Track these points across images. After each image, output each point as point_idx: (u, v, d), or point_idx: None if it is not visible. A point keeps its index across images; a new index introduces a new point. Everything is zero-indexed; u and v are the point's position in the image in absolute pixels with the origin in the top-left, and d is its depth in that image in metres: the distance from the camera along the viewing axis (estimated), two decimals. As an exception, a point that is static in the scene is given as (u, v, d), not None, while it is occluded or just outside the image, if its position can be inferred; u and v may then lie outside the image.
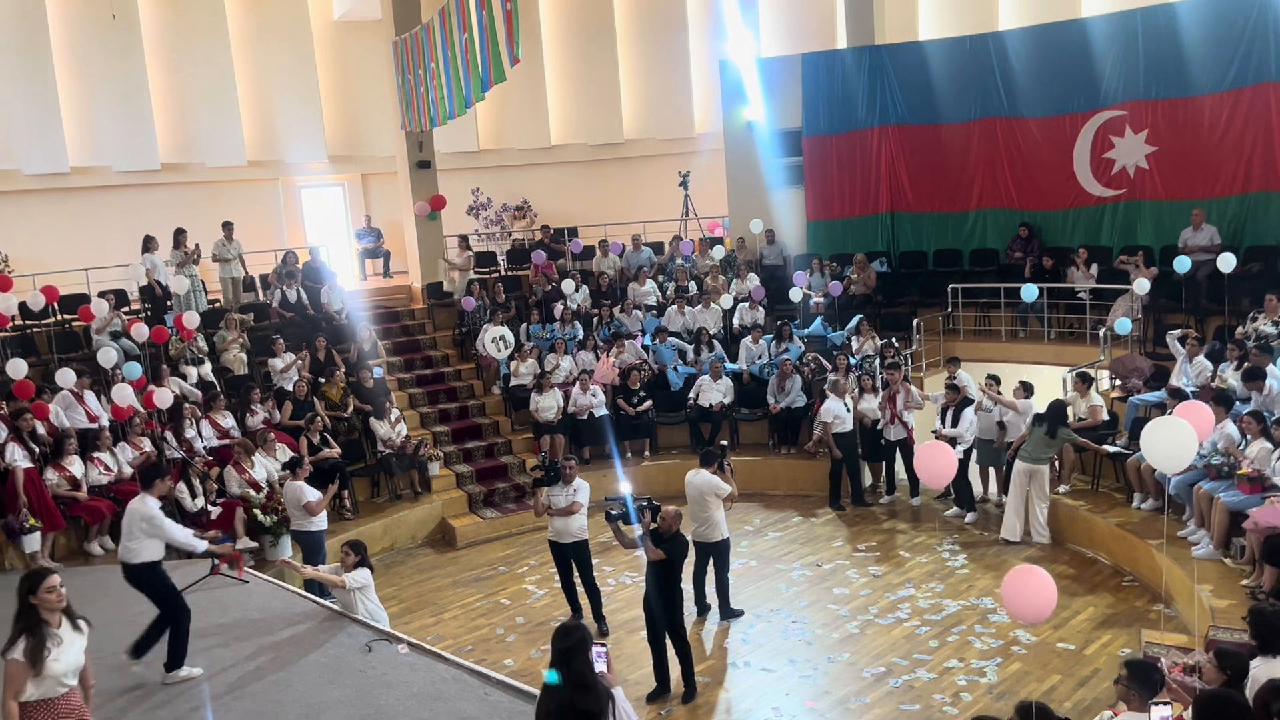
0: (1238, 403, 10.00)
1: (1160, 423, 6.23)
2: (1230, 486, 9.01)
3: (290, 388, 12.59)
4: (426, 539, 12.44)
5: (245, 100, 18.05)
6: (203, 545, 7.15)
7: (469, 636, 9.54)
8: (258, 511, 10.52)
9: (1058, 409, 10.81)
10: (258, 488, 10.81)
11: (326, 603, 8.38)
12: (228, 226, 14.83)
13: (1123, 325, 11.79)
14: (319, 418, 12.04)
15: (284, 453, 11.24)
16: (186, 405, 11.59)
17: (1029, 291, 13.17)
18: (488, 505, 12.90)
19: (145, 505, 6.86)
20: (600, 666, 4.54)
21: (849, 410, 12.40)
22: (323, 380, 12.95)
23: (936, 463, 5.93)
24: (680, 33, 20.48)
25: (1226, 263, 12.07)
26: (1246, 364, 10.23)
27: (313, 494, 9.37)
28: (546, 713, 4.53)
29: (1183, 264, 12.64)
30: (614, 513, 8.12)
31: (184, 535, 7.04)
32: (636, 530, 8.07)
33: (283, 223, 18.70)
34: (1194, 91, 13.77)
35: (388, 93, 16.43)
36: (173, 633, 7.01)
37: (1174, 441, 5.74)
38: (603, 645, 4.65)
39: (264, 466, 11.07)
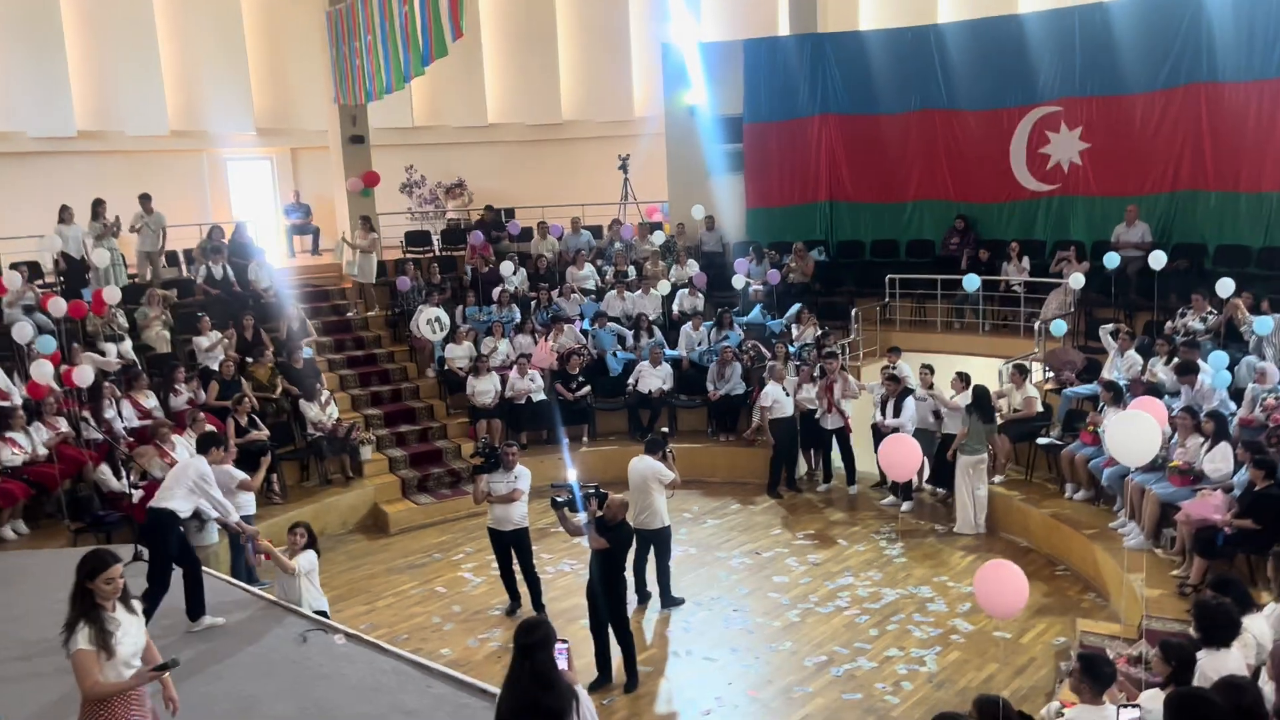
0: (1168, 396, 10.21)
1: (1125, 417, 6.28)
2: (1162, 479, 9.19)
3: (216, 367, 12.15)
4: (358, 525, 12.13)
5: (169, 66, 17.34)
6: (236, 516, 7.73)
7: (404, 625, 9.31)
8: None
9: (983, 395, 10.97)
10: (181, 470, 10.37)
11: (258, 590, 8.08)
12: (145, 199, 14.18)
13: (1058, 327, 11.96)
14: (246, 399, 11.63)
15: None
16: (106, 384, 11.08)
17: (970, 281, 13.31)
18: (422, 490, 12.63)
19: (203, 463, 7.49)
20: (562, 664, 4.40)
21: (788, 395, 12.41)
22: (250, 360, 12.52)
23: (901, 456, 5.89)
24: (621, 14, 20.27)
25: (1158, 260, 12.32)
26: (1177, 359, 10.45)
27: (243, 474, 9.04)
28: (508, 709, 4.39)
29: (1112, 259, 12.89)
30: (560, 499, 7.96)
31: (227, 503, 7.62)
32: (582, 518, 7.92)
33: (207, 196, 18.06)
34: (1128, 90, 14.03)
35: (320, 64, 15.94)
36: (192, 584, 7.30)
37: (1138, 436, 5.79)
38: (564, 643, 4.53)
39: (187, 449, 10.63)
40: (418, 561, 10.97)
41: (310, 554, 7.77)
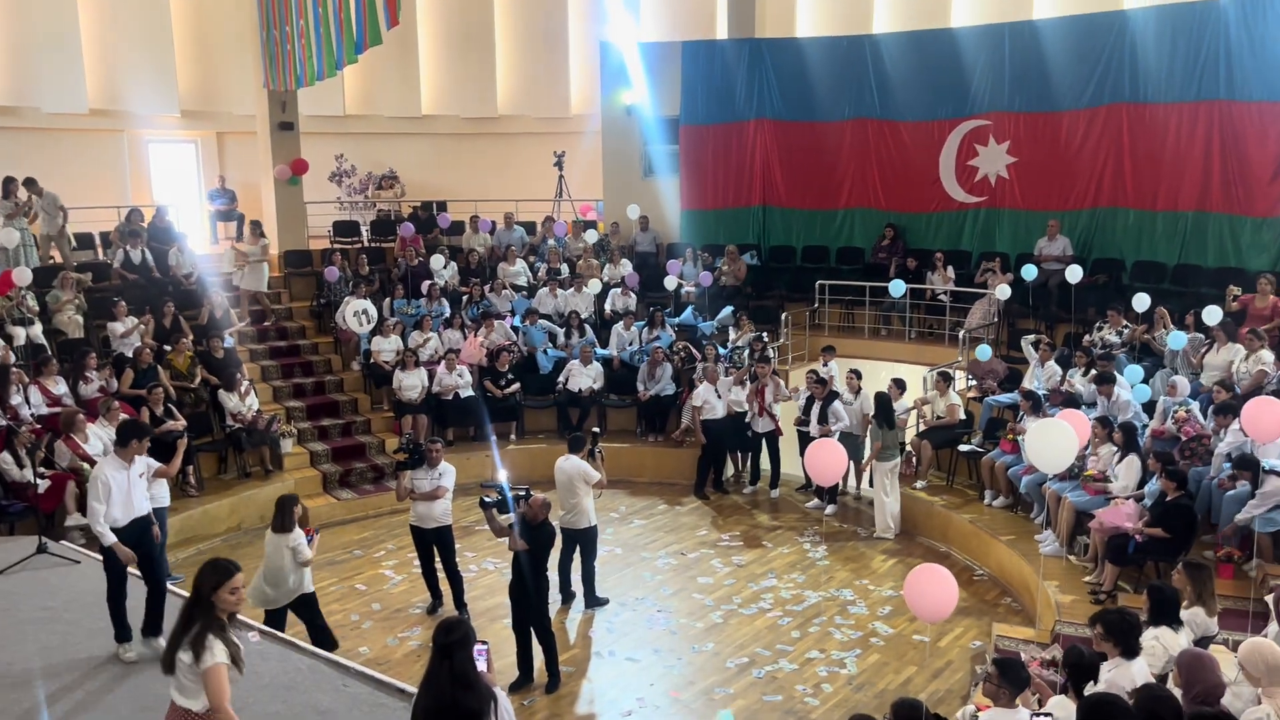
0: (1085, 407, 10.47)
1: (1043, 425, 6.40)
2: (1077, 487, 9.42)
3: (131, 354, 11.76)
4: (276, 519, 11.83)
5: (89, 43, 16.72)
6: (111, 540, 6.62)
7: (322, 623, 9.09)
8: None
9: (883, 400, 11.18)
10: (91, 461, 10.01)
11: (170, 585, 7.81)
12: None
13: (983, 352, 12.17)
14: (161, 388, 11.27)
15: (125, 424, 10.46)
16: (14, 369, 10.64)
17: (896, 286, 13.48)
18: (343, 486, 12.39)
19: (101, 467, 6.69)
20: (481, 665, 4.32)
21: (720, 397, 12.44)
22: (168, 348, 12.15)
23: (827, 460, 5.93)
24: (560, 10, 20.14)
25: (1074, 274, 12.66)
26: (1095, 370, 10.72)
27: (157, 462, 8.75)
28: (425, 709, 4.30)
29: (1029, 272, 13.21)
30: (488, 499, 7.84)
31: (103, 524, 6.57)
32: (510, 518, 7.83)
33: (127, 178, 17.47)
34: (1054, 106, 14.37)
35: (250, 47, 15.53)
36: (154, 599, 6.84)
37: (1055, 443, 5.90)
38: (484, 643, 4.44)
39: (99, 438, 10.27)
40: (338, 558, 10.75)
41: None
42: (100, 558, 6.75)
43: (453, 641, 4.24)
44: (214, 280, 13.97)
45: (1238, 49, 12.65)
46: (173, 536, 10.17)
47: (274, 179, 15.50)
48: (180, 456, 9.07)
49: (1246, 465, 8.47)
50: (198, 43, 17.79)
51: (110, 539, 6.48)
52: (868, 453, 11.31)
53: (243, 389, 12.05)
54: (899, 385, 11.84)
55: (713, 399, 12.36)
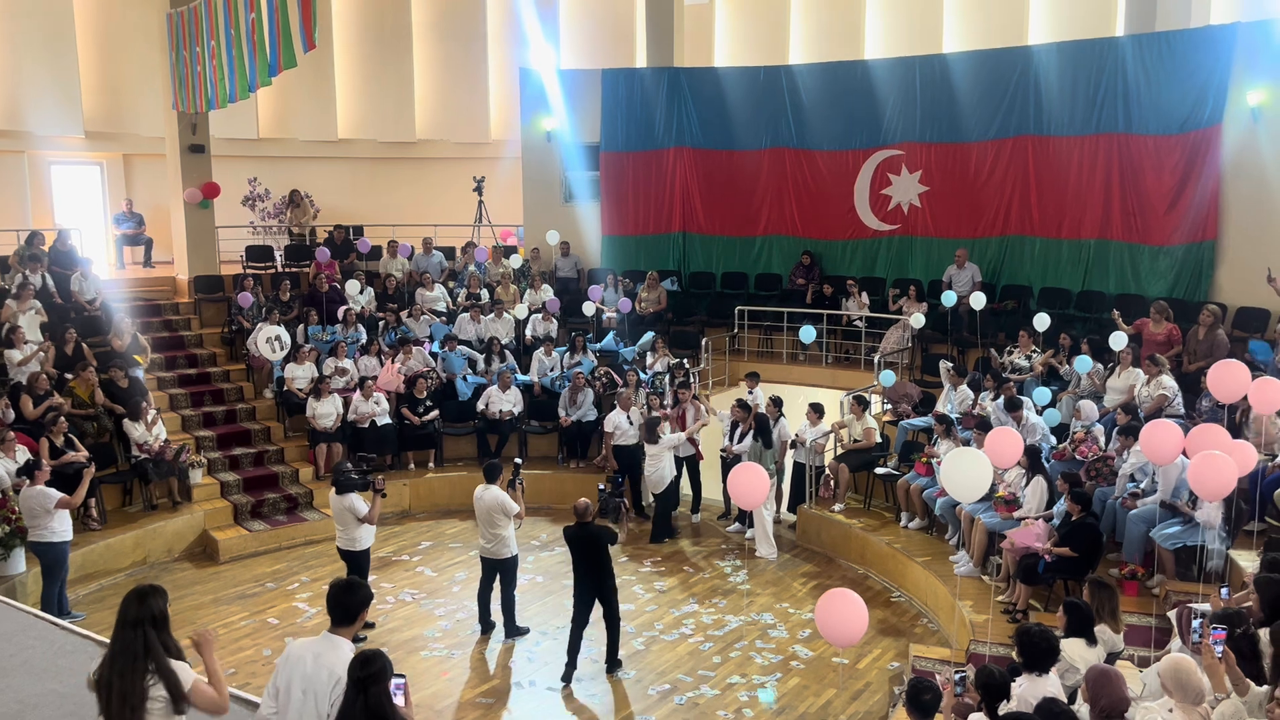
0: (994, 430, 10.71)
1: (959, 454, 6.51)
2: (989, 508, 9.63)
3: (29, 382, 11.30)
4: (185, 552, 11.46)
5: (-12, 60, 16.19)
6: None
7: (231, 659, 8.80)
8: (-14, 521, 9.33)
9: (762, 421, 11.41)
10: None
11: (66, 624, 7.50)
12: None
13: (887, 378, 12.42)
14: (62, 417, 10.85)
15: (23, 454, 10.03)
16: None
17: (807, 333, 13.36)
18: (255, 517, 12.04)
19: None
20: (399, 700, 4.21)
21: (632, 423, 12.45)
22: (70, 376, 11.71)
23: (750, 485, 5.95)
24: (479, 36, 20.10)
25: (978, 300, 13.03)
26: (1004, 394, 10.99)
27: (59, 493, 8.45)
28: None
29: (949, 298, 13.53)
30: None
31: None
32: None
33: (27, 201, 16.84)
34: (963, 138, 14.80)
35: (158, 67, 15.15)
36: None
37: (970, 474, 6.01)
38: (401, 677, 4.31)
39: (-5, 469, 9.84)
40: (249, 591, 10.44)
41: None
42: None
43: (369, 675, 4.08)
44: (120, 306, 13.55)
45: (1135, 84, 13.21)
46: (74, 572, 9.79)
47: (184, 202, 15.11)
48: (85, 486, 8.77)
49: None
50: (104, 62, 17.30)
51: None
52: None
53: (149, 418, 11.66)
54: (817, 409, 11.99)
55: (624, 425, 12.36)
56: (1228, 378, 8.33)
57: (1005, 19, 17.18)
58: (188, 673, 4.32)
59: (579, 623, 8.45)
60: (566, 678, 8.42)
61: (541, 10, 19.05)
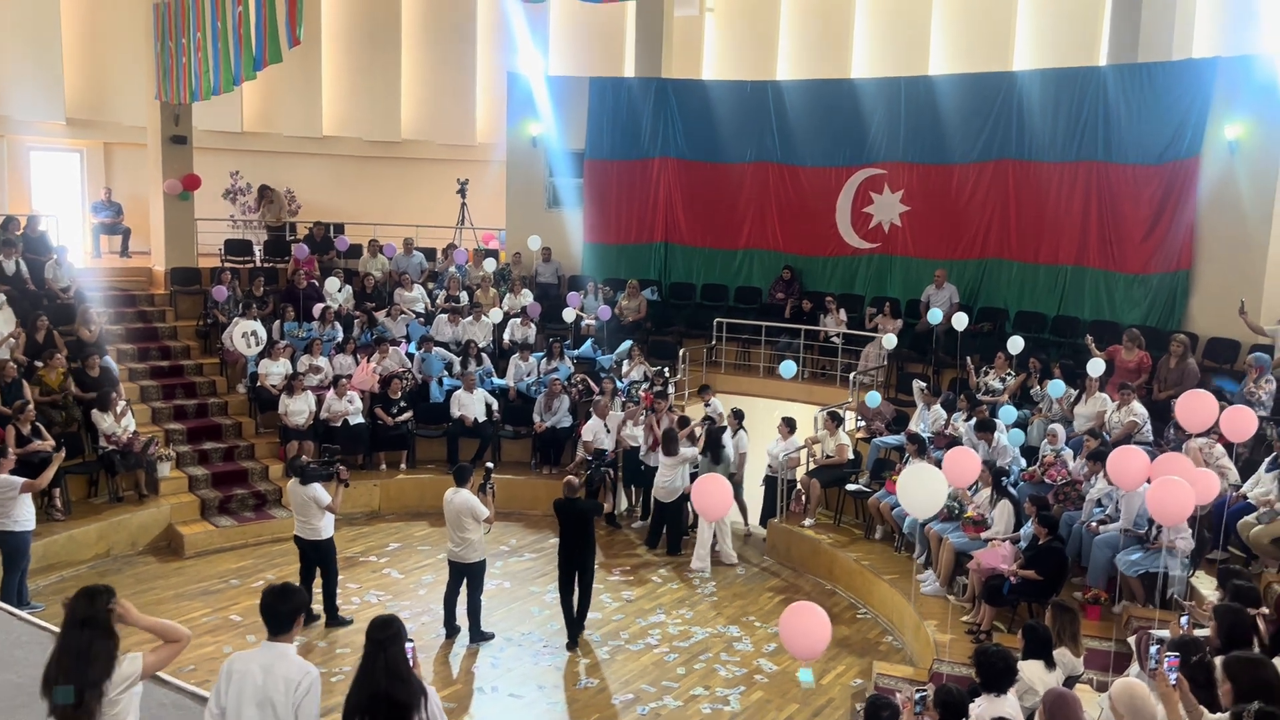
0: (967, 450, 10.77)
1: (915, 469, 6.56)
2: (958, 528, 9.67)
3: (-3, 370, 11.19)
4: (149, 546, 11.36)
5: (-30, 44, 16.05)
6: None
7: (191, 656, 8.67)
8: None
9: (714, 436, 11.50)
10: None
11: (25, 615, 7.41)
12: None
13: (873, 399, 12.35)
14: (30, 405, 10.74)
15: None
16: None
17: (787, 368, 13.07)
18: (223, 512, 11.95)
19: None
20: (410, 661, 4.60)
21: (609, 432, 12.44)
22: (39, 364, 11.59)
23: (714, 496, 5.96)
24: (469, 38, 20.12)
25: (960, 321, 13.05)
26: (976, 416, 11.04)
27: (21, 478, 8.37)
28: (356, 704, 4.50)
29: (935, 316, 13.51)
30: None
31: None
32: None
33: (4, 186, 16.71)
34: (946, 159, 14.90)
35: (143, 57, 15.06)
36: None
37: (925, 488, 6.04)
38: (411, 642, 4.63)
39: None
40: (213, 587, 10.35)
41: None
42: None
43: (387, 637, 4.52)
44: (94, 295, 13.44)
45: (1115, 113, 13.34)
46: (35, 562, 9.70)
47: (164, 193, 15.01)
48: (52, 470, 8.70)
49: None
50: (88, 49, 17.19)
51: None
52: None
53: (119, 409, 11.56)
54: (789, 424, 12.01)
55: (601, 433, 12.35)
56: (1197, 407, 8.42)
57: (991, 43, 17.32)
58: (136, 662, 4.31)
59: (566, 589, 9.24)
60: (571, 644, 9.18)
61: (531, 16, 19.07)
